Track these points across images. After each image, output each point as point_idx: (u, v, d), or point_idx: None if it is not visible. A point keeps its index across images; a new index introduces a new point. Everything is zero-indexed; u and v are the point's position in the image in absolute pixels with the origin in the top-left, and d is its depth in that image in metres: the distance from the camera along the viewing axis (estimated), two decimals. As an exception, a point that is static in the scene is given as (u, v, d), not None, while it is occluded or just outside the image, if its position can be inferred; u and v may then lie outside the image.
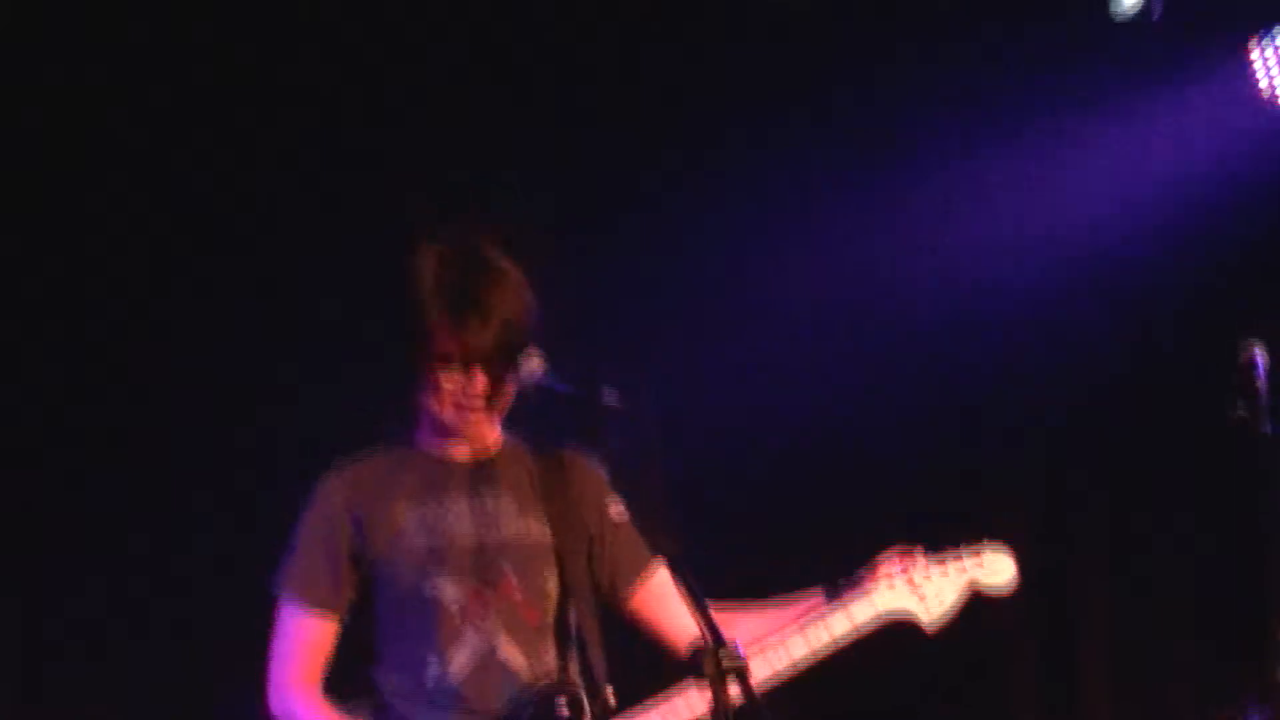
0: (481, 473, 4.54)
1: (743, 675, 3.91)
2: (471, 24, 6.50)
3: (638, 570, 4.61)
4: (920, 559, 4.57)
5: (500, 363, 4.39)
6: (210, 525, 6.26)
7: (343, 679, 4.57)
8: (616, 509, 4.37)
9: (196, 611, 6.26)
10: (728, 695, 3.91)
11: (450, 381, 4.41)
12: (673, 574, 4.16)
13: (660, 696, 4.49)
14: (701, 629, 3.92)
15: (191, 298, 6.39)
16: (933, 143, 6.82)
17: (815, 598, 4.58)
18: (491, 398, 4.44)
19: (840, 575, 4.60)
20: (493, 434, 4.54)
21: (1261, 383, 4.53)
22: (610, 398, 4.22)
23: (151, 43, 6.37)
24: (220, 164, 6.39)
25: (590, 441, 4.38)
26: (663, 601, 4.60)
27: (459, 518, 4.51)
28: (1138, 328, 6.94)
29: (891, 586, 4.54)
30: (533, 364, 4.33)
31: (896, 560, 4.57)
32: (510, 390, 4.46)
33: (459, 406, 4.44)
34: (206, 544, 6.21)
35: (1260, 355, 4.56)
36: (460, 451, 4.52)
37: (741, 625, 4.45)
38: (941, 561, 4.58)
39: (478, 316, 4.37)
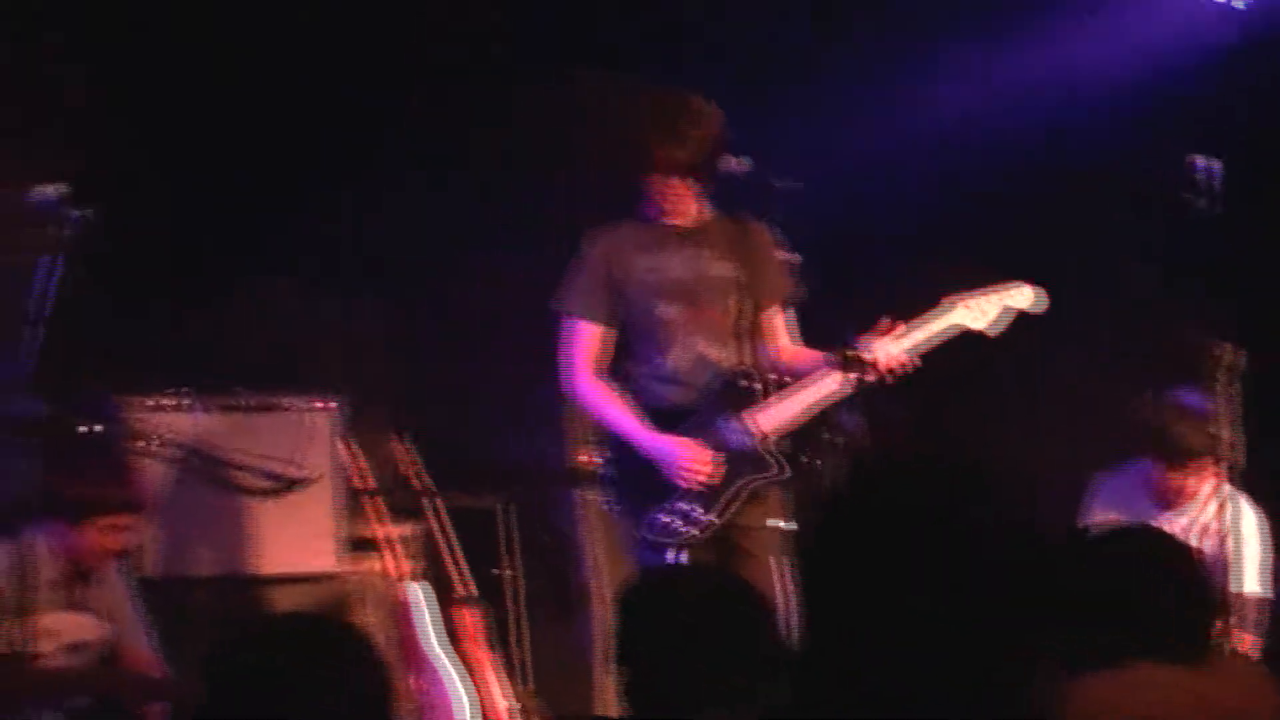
0: (691, 234, 6.32)
1: (862, 364, 6.04)
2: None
3: (777, 297, 6.39)
4: (975, 291, 6.36)
5: (696, 173, 6.17)
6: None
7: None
8: (783, 254, 6.37)
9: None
10: (852, 375, 6.00)
11: (664, 184, 6.26)
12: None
13: (811, 377, 6.21)
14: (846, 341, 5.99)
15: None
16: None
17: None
18: (693, 194, 6.28)
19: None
20: (699, 208, 6.39)
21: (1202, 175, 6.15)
22: (781, 182, 6.19)
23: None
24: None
25: (767, 212, 6.31)
26: (772, 325, 6.37)
27: (675, 263, 6.31)
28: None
29: (955, 306, 6.32)
30: (733, 162, 6.19)
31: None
32: (708, 186, 6.29)
33: (670, 199, 6.30)
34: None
35: (1201, 160, 6.37)
36: (677, 221, 6.40)
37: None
38: (990, 291, 6.38)
39: (679, 142, 6.09)
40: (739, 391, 6.35)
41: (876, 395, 6.07)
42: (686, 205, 6.32)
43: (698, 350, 6.30)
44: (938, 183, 8.39)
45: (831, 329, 6.19)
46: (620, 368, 6.42)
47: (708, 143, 6.19)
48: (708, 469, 6.18)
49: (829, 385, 6.25)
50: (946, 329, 6.32)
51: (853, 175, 8.24)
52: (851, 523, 2.80)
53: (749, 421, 6.31)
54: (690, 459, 6.17)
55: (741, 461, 6.28)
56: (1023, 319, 6.41)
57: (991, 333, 6.32)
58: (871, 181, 8.39)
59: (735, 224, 6.39)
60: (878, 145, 8.33)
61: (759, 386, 6.37)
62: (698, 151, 6.16)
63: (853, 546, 2.78)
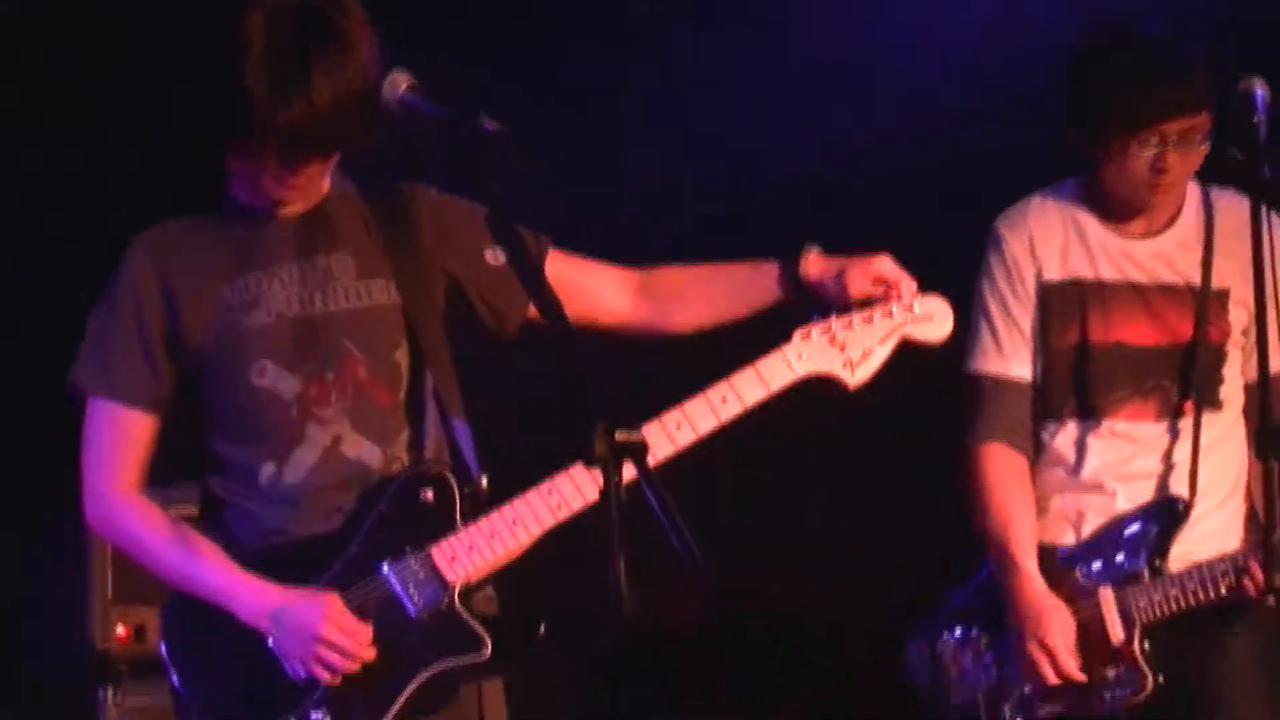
0: (310, 229, 3.94)
1: (640, 456, 3.30)
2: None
3: (525, 301, 4.00)
4: (844, 310, 3.93)
5: (330, 146, 3.81)
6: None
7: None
8: (493, 253, 3.91)
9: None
10: (620, 478, 3.28)
11: (271, 163, 3.80)
12: (559, 339, 3.54)
13: (546, 480, 3.89)
14: (591, 404, 3.30)
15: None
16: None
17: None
18: (308, 175, 3.85)
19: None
20: (319, 185, 3.92)
21: (1260, 119, 3.87)
22: (492, 124, 3.55)
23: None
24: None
25: (468, 177, 3.74)
26: (571, 280, 3.98)
27: (287, 288, 3.94)
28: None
29: (806, 339, 3.91)
30: (396, 82, 3.68)
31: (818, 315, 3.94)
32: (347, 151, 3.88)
33: (280, 187, 3.86)
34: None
35: (1260, 89, 3.88)
36: (280, 211, 3.92)
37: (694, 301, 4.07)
38: (868, 313, 3.93)
39: (304, 94, 3.70)
40: (415, 511, 3.94)
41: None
42: (296, 188, 3.94)
43: (337, 446, 4.00)
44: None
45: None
46: (204, 487, 4.12)
47: (352, 96, 3.77)
48: (359, 645, 3.86)
49: (581, 494, 3.90)
50: (789, 379, 3.99)
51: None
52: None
53: (436, 562, 3.91)
54: (329, 624, 3.84)
55: (420, 635, 3.93)
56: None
57: (856, 384, 4.03)
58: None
59: (381, 198, 4.05)
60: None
61: (453, 497, 3.94)
62: (331, 112, 3.76)
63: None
